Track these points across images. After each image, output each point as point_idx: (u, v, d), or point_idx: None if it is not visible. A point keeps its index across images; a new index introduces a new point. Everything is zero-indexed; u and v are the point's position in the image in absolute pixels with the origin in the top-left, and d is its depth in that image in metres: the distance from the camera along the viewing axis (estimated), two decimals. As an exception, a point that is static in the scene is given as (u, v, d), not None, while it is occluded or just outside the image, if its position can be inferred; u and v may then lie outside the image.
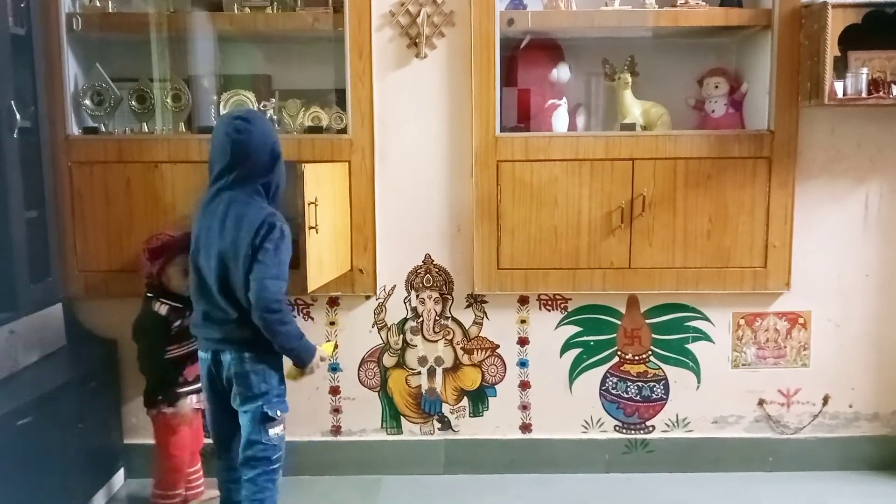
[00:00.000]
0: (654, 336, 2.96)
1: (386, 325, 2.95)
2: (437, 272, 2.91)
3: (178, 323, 2.56)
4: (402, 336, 2.96)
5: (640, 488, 2.91)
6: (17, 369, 2.46)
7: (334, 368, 2.96)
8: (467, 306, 2.94)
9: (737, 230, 2.79)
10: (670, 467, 3.00)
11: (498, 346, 2.97)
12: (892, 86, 2.59)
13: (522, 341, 2.96)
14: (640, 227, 2.78)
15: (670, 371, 2.98)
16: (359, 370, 2.98)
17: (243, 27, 2.80)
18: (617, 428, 3.02)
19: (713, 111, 2.92)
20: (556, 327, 2.95)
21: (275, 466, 2.29)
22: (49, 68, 2.68)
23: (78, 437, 2.57)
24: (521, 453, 3.01)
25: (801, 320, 2.94)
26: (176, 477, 2.63)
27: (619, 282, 2.82)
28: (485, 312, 2.94)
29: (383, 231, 2.84)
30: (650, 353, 2.97)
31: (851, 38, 2.56)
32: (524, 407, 3.01)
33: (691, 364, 2.97)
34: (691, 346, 2.96)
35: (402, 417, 3.01)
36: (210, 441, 2.50)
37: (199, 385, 2.60)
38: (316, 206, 2.39)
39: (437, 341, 2.96)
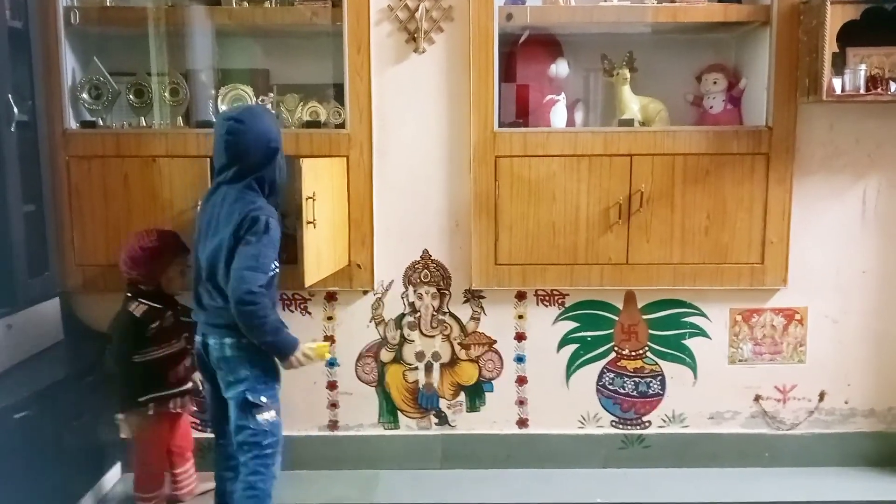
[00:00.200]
0: (650, 332, 2.96)
1: (383, 320, 2.95)
2: (434, 267, 2.91)
3: (155, 324, 2.52)
4: (399, 331, 2.96)
5: (636, 483, 2.92)
6: (14, 364, 2.46)
7: (332, 363, 2.96)
8: (465, 301, 2.94)
9: (734, 226, 2.79)
10: (667, 463, 3.01)
11: (495, 342, 2.97)
12: (891, 82, 2.59)
13: (520, 336, 2.97)
14: (637, 223, 2.78)
15: (667, 367, 2.98)
16: (356, 365, 2.98)
17: (242, 21, 2.79)
18: (614, 423, 3.02)
19: (711, 107, 2.92)
20: (554, 323, 2.96)
21: (267, 452, 2.30)
22: (47, 62, 2.67)
23: (75, 431, 2.57)
24: (518, 448, 3.01)
25: (797, 316, 2.94)
26: (152, 482, 2.61)
27: (617, 277, 2.83)
28: (482, 308, 2.94)
29: (381, 226, 2.84)
30: (647, 348, 2.98)
31: (850, 35, 2.55)
32: (521, 402, 3.01)
33: (688, 360, 2.98)
34: (688, 342, 2.96)
35: (399, 412, 3.01)
36: (209, 436, 2.50)
37: (184, 388, 2.60)
38: (314, 200, 2.40)
39: (434, 336, 2.97)
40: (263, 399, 2.28)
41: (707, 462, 3.00)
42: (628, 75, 2.83)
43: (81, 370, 2.64)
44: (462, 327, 2.96)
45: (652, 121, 2.85)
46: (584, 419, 3.02)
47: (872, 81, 2.59)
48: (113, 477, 2.90)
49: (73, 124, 2.77)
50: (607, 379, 3.00)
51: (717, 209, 2.78)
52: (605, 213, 2.78)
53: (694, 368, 2.98)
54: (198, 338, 2.36)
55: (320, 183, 2.49)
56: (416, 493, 2.85)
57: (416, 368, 2.99)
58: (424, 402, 3.01)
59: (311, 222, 2.39)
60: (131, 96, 2.82)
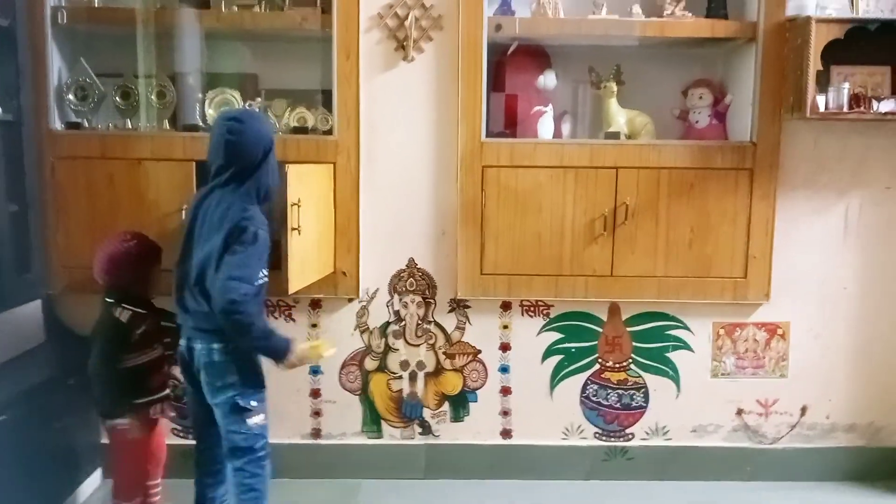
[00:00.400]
0: (634, 344, 2.97)
1: (368, 328, 2.94)
2: (420, 276, 2.91)
3: (140, 329, 2.47)
4: (384, 340, 2.95)
5: (618, 496, 2.92)
6: (-6, 365, 2.43)
7: (315, 371, 2.95)
8: (450, 311, 2.93)
9: (718, 240, 2.81)
10: (649, 475, 3.01)
11: (480, 352, 2.97)
12: (873, 101, 2.63)
13: (504, 347, 2.97)
14: (622, 236, 2.79)
15: (650, 379, 2.99)
16: (340, 373, 2.96)
17: (231, 25, 2.79)
18: (597, 435, 3.02)
19: (697, 122, 2.94)
20: (538, 333, 2.96)
21: (260, 454, 2.31)
22: (33, 62, 2.65)
23: (55, 435, 2.54)
24: (502, 459, 3.01)
25: (780, 331, 2.96)
26: (132, 489, 2.55)
27: (601, 289, 2.83)
28: (467, 317, 2.94)
29: (367, 234, 2.84)
30: (631, 360, 2.98)
31: (834, 53, 2.60)
32: (505, 413, 3.01)
33: (671, 373, 2.98)
34: (671, 355, 2.98)
35: (382, 421, 3.00)
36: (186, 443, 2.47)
37: (163, 393, 2.57)
38: (299, 207, 2.39)
39: (419, 345, 2.96)
40: (253, 403, 2.28)
41: (689, 475, 3.00)
42: (615, 88, 2.84)
43: (62, 373, 2.61)
44: (447, 336, 2.96)
45: (638, 134, 2.87)
46: (567, 431, 3.02)
47: (855, 99, 2.63)
48: (93, 483, 2.87)
49: (58, 125, 2.75)
50: (591, 390, 3.00)
51: (702, 223, 2.80)
52: (591, 225, 2.79)
53: (677, 381, 2.99)
54: (182, 341, 2.33)
55: (306, 189, 2.49)
56: (398, 503, 2.84)
57: (401, 377, 2.98)
58: (408, 411, 3.00)
59: (295, 228, 2.38)
60: (118, 98, 2.80)
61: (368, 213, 2.83)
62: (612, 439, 3.03)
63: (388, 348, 2.96)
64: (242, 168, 2.23)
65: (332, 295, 2.86)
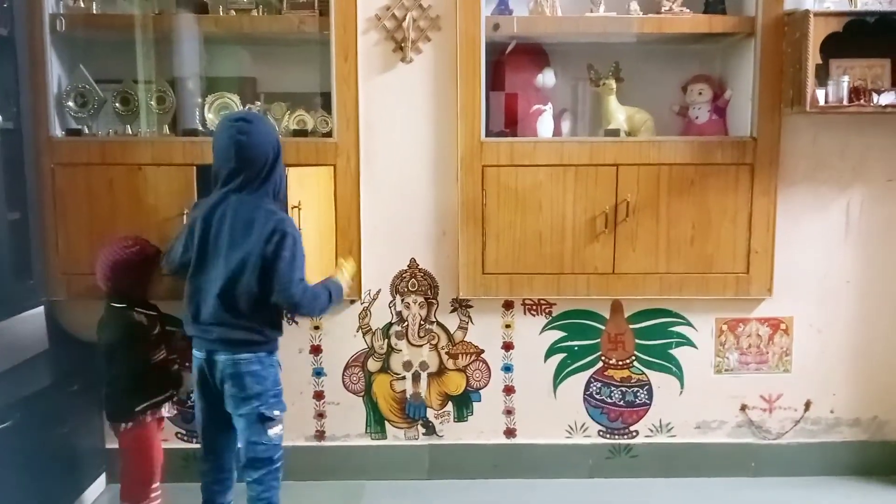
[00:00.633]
0: (637, 341, 2.97)
1: (370, 329, 2.94)
2: (422, 276, 2.91)
3: (156, 331, 2.52)
4: (386, 340, 2.95)
5: (623, 493, 2.91)
6: (-2, 372, 2.44)
7: (318, 373, 2.95)
8: (452, 311, 2.94)
9: (719, 236, 2.80)
10: (653, 472, 3.01)
11: (483, 351, 2.97)
12: (873, 94, 2.62)
13: (507, 346, 2.97)
14: (623, 233, 2.79)
15: (654, 376, 2.99)
16: (343, 375, 2.97)
17: (229, 29, 2.79)
18: (601, 433, 3.02)
19: (697, 117, 2.94)
20: (541, 332, 2.96)
21: (277, 465, 2.33)
22: (32, 69, 2.65)
23: (59, 441, 2.55)
24: (506, 458, 3.01)
25: (783, 326, 2.96)
26: (142, 491, 2.55)
27: (603, 287, 2.83)
28: (469, 317, 2.94)
29: (368, 235, 2.84)
30: (634, 358, 2.98)
31: (833, 47, 2.59)
32: (508, 412, 3.01)
33: (674, 369, 2.98)
34: (675, 352, 2.97)
35: (386, 422, 3.00)
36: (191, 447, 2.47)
37: (166, 395, 2.58)
38: (300, 209, 2.39)
39: (421, 346, 2.96)
40: (276, 413, 2.29)
41: (694, 472, 3.00)
42: (614, 85, 2.84)
43: (65, 379, 2.62)
44: (449, 336, 2.96)
45: (638, 131, 2.87)
46: (571, 429, 3.02)
47: (855, 93, 2.62)
48: (98, 488, 2.87)
49: (58, 132, 2.75)
50: (594, 388, 3.00)
51: (703, 219, 2.79)
52: (592, 223, 2.79)
53: (680, 378, 2.99)
54: (199, 354, 2.29)
55: (306, 192, 2.49)
56: (402, 504, 2.85)
57: (404, 378, 2.98)
58: (412, 411, 3.00)
59: (296, 231, 2.38)
60: (117, 104, 2.80)
61: (369, 214, 2.83)
62: (616, 437, 3.02)
63: (390, 349, 2.96)
64: (255, 171, 2.22)
65: (334, 297, 2.86)
